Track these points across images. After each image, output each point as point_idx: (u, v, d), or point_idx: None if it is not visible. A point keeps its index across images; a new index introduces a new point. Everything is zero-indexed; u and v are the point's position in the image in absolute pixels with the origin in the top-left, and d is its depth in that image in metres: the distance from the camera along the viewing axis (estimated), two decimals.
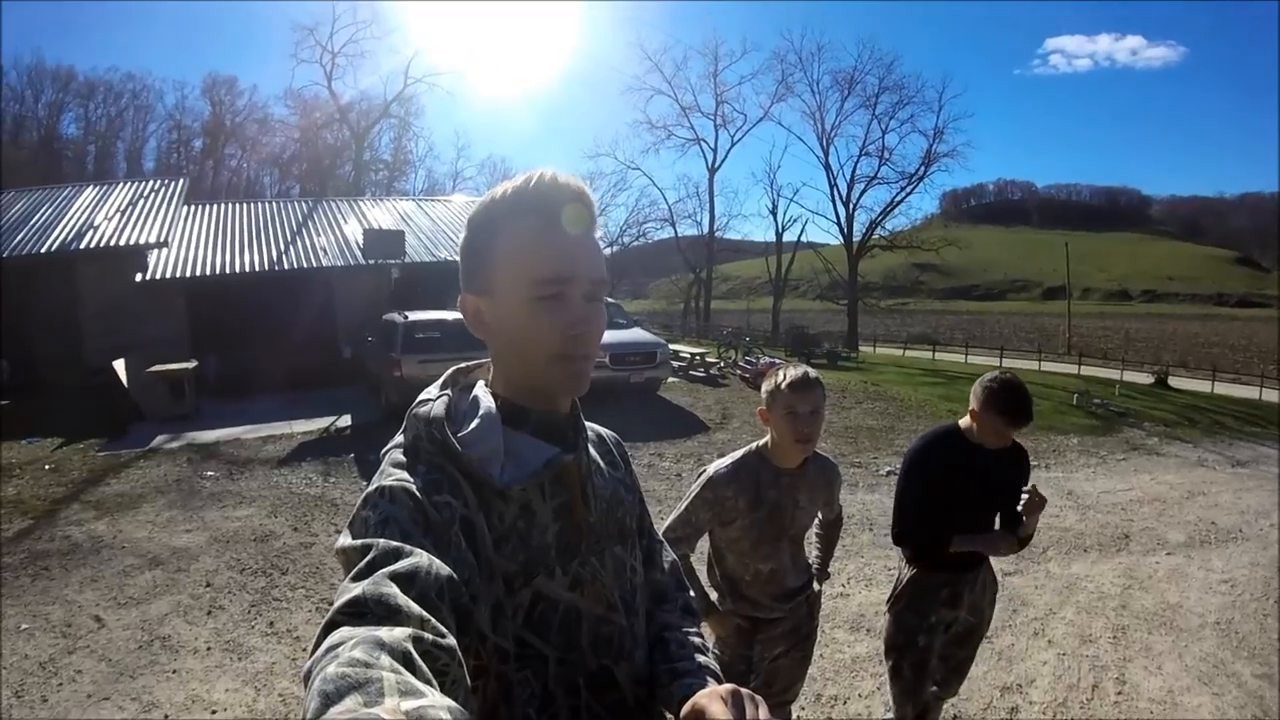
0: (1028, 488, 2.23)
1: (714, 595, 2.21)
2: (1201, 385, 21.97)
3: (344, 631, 0.53)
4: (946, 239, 34.04)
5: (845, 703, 3.31)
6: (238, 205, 17.82)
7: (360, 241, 15.24)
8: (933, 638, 2.35)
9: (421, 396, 0.82)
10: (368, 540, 0.65)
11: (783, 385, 1.94)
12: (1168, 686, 3.69)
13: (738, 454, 2.08)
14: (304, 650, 3.61)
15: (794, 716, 2.61)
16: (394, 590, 0.58)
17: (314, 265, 14.20)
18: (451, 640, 0.57)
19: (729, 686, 0.72)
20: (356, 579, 0.60)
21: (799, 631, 2.20)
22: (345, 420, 9.65)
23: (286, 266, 14.00)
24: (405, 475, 0.74)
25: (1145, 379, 21.23)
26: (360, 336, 11.84)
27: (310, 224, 16.65)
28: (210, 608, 4.15)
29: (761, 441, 2.07)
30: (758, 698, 0.70)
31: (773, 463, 2.04)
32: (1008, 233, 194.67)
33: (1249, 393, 21.46)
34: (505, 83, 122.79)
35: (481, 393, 0.83)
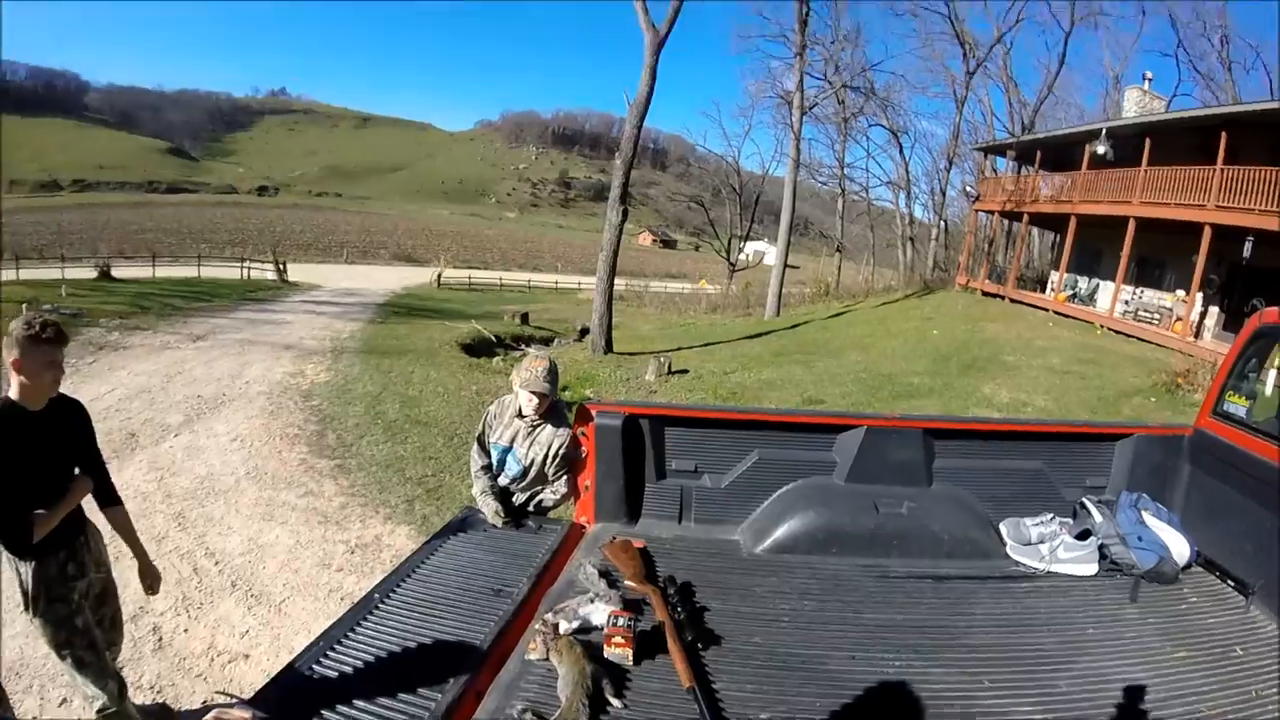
0: None
1: None
2: (144, 272, 22.16)
3: None
4: None
5: None
6: None
7: None
8: (85, 614, 2.35)
9: None
10: None
11: None
12: (246, 536, 4.40)
13: None
14: None
15: None
16: None
17: None
18: None
19: None
20: None
21: None
22: None
23: None
24: None
25: (89, 273, 19.80)
26: None
27: None
28: None
29: None
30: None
31: None
32: None
33: (188, 272, 23.41)
34: None
35: None
